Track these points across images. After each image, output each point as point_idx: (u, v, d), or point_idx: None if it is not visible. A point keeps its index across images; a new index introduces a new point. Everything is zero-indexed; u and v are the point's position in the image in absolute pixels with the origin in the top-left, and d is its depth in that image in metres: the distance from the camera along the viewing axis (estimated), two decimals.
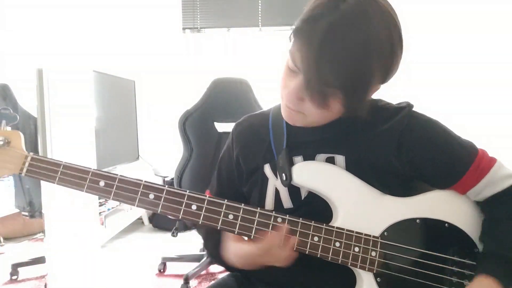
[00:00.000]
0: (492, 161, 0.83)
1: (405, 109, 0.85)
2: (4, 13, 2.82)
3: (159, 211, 0.80)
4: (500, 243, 0.79)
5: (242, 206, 0.80)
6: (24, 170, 0.82)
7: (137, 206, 0.81)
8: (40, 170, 0.82)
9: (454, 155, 0.83)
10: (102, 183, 0.81)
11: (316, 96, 0.72)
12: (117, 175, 0.82)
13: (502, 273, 0.77)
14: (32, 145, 2.17)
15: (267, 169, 0.88)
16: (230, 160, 0.95)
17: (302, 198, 0.85)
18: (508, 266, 0.77)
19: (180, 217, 0.80)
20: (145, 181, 0.81)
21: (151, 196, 0.81)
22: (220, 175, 0.98)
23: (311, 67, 0.69)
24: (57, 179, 0.82)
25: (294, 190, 0.85)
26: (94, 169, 0.82)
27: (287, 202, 0.86)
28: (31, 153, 0.84)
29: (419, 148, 0.83)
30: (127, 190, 0.81)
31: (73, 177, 0.82)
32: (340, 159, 0.83)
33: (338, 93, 0.71)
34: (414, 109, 0.86)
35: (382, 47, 0.71)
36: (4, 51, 2.86)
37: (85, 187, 0.81)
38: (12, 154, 0.83)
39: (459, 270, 0.81)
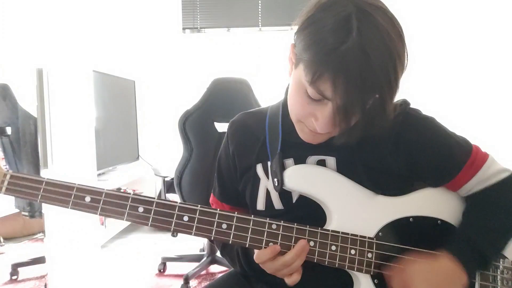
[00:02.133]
0: (485, 157, 0.84)
1: (401, 106, 0.84)
2: (4, 13, 2.82)
3: (149, 225, 0.78)
4: (474, 228, 0.80)
5: (236, 214, 0.79)
6: (3, 189, 0.79)
7: (126, 220, 0.78)
8: (21, 188, 0.79)
9: (450, 153, 0.84)
10: (88, 199, 0.78)
11: (353, 119, 0.71)
12: (103, 189, 0.79)
13: (464, 255, 0.78)
14: (32, 145, 2.17)
15: (259, 169, 0.88)
16: (227, 158, 0.95)
17: (294, 201, 0.85)
18: (473, 251, 0.78)
19: (172, 229, 0.78)
20: (133, 194, 0.79)
21: (141, 209, 0.78)
22: (220, 175, 0.97)
23: (350, 93, 0.67)
24: (39, 197, 0.78)
25: (284, 192, 0.85)
26: (79, 184, 0.79)
27: (277, 204, 0.86)
28: (10, 171, 0.80)
29: (416, 146, 0.83)
30: (115, 205, 0.78)
31: (57, 193, 0.78)
32: (331, 161, 0.83)
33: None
34: (410, 106, 0.86)
35: (402, 55, 0.70)
36: (4, 51, 2.86)
37: (70, 204, 0.78)
38: None
39: None
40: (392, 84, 0.68)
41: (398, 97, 0.86)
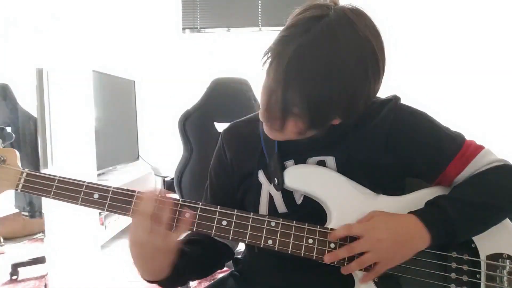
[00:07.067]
0: (478, 149, 0.84)
1: (391, 102, 0.85)
2: (5, 13, 2.82)
3: None
4: (445, 196, 0.80)
5: (235, 212, 0.80)
6: (20, 186, 0.84)
7: (131, 216, 0.80)
8: (35, 185, 0.84)
9: (440, 145, 0.83)
10: (96, 196, 0.82)
11: (275, 117, 0.73)
12: (110, 187, 0.82)
13: (427, 217, 0.77)
14: (32, 145, 2.17)
15: (261, 175, 0.88)
16: (221, 168, 0.95)
17: (298, 203, 0.85)
18: (438, 213, 0.77)
19: (174, 225, 0.79)
20: (138, 192, 0.81)
21: None
22: (212, 185, 0.97)
23: (277, 88, 0.69)
24: (52, 194, 0.83)
25: (288, 195, 0.85)
26: (88, 182, 0.82)
27: (281, 207, 0.86)
28: (26, 169, 0.85)
29: (406, 140, 0.83)
30: (121, 201, 0.81)
31: (68, 190, 0.82)
32: (330, 160, 0.84)
33: (298, 116, 0.71)
34: (401, 101, 0.86)
35: (348, 73, 0.69)
36: (4, 51, 2.86)
37: (80, 200, 0.82)
38: (8, 172, 0.85)
39: (458, 266, 0.80)
40: (322, 98, 0.69)
41: (391, 92, 0.87)
